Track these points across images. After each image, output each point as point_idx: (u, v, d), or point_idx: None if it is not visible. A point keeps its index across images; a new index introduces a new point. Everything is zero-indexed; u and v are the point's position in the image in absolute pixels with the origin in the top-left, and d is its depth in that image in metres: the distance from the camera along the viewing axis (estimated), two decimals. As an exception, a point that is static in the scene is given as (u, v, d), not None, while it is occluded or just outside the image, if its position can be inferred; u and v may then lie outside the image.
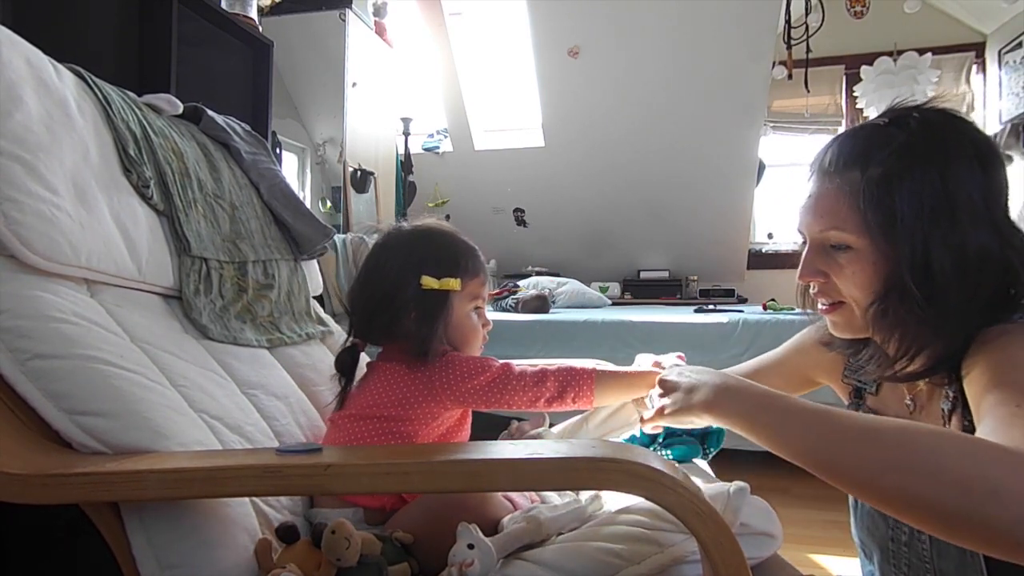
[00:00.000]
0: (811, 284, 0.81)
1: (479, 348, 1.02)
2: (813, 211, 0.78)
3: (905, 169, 0.70)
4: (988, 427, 0.59)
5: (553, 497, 0.93)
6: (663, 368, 0.93)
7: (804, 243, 0.81)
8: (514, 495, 0.86)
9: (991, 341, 0.67)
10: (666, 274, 4.86)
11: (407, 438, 0.88)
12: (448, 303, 0.94)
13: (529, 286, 3.83)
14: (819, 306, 0.82)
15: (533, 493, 0.95)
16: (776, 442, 0.64)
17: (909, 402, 0.83)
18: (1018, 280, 0.69)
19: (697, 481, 0.56)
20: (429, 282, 0.91)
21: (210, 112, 1.32)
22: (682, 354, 1.00)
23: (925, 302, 0.69)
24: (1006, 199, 0.72)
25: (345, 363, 0.98)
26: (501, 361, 0.92)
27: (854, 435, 0.58)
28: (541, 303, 3.27)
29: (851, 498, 0.88)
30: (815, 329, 0.96)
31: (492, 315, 1.02)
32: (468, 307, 0.98)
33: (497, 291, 3.63)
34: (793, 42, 3.43)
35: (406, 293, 0.91)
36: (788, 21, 3.58)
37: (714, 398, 0.73)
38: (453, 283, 0.93)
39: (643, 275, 4.91)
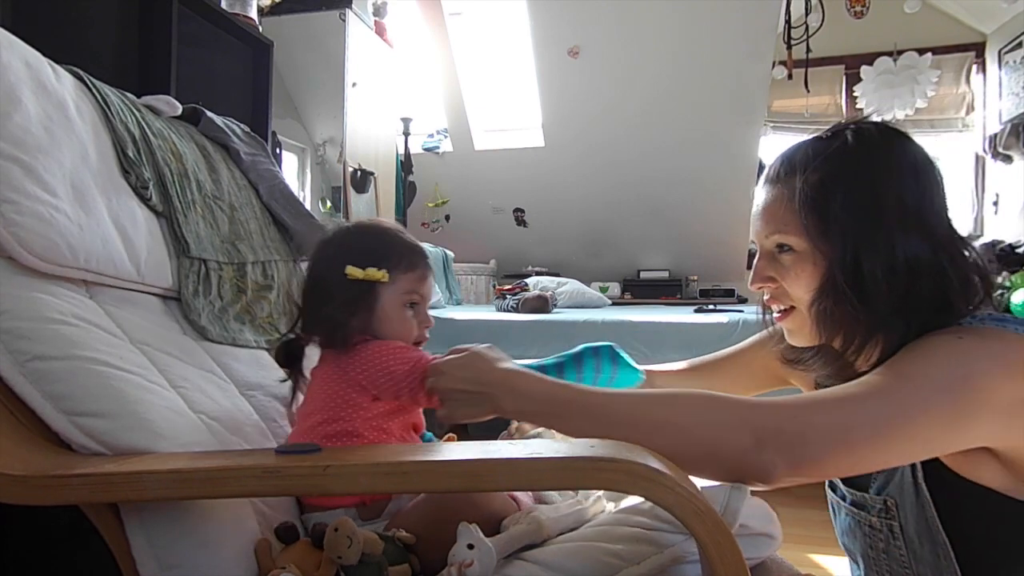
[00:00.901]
0: (764, 291, 0.85)
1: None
2: (761, 217, 0.82)
3: (839, 175, 0.75)
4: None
5: (555, 497, 0.93)
6: None
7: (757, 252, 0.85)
8: (518, 494, 0.86)
9: (919, 339, 0.70)
10: (666, 274, 4.86)
11: (349, 437, 0.88)
12: (374, 294, 0.93)
13: (530, 286, 3.83)
14: (774, 315, 0.85)
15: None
16: (568, 434, 0.71)
17: None
18: (952, 287, 0.72)
19: (697, 481, 0.56)
20: (353, 271, 0.91)
21: (209, 113, 1.32)
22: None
23: (857, 301, 0.73)
24: (943, 209, 0.75)
25: (282, 356, 0.99)
26: (432, 355, 0.90)
27: (621, 417, 0.68)
28: (542, 303, 3.27)
29: (830, 507, 0.89)
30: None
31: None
32: (401, 301, 0.95)
33: (510, 287, 3.60)
34: (793, 42, 3.43)
35: (331, 281, 0.92)
36: (788, 21, 3.58)
37: (500, 403, 0.74)
38: (378, 274, 0.92)
39: (643, 275, 4.91)
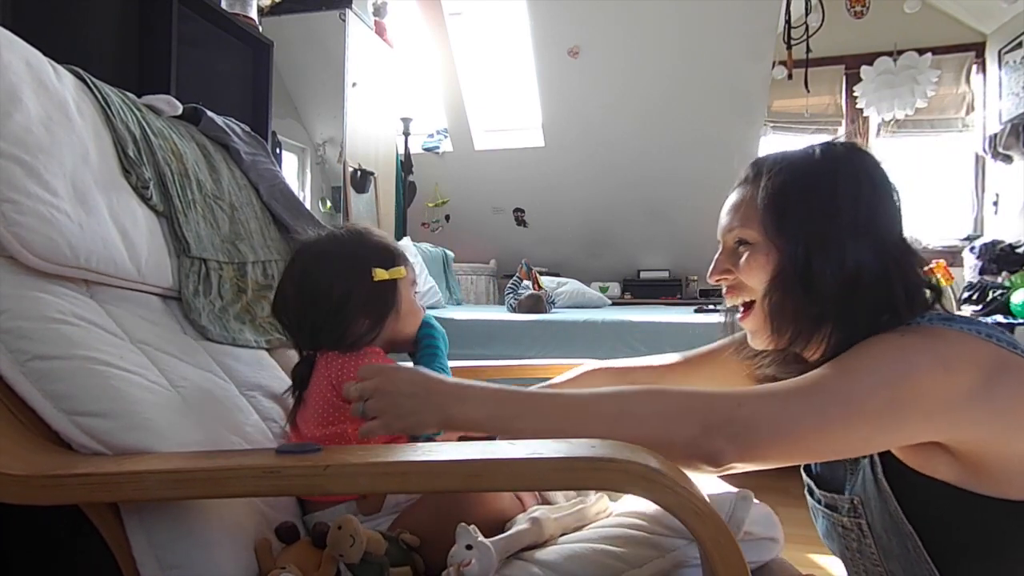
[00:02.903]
0: (722, 283, 0.88)
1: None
2: (726, 215, 0.87)
3: (801, 178, 0.80)
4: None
5: (559, 497, 0.93)
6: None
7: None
8: (523, 494, 0.86)
9: (865, 340, 0.73)
10: (666, 274, 4.86)
11: (340, 440, 0.89)
12: (398, 292, 0.96)
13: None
14: (737, 315, 0.88)
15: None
16: (523, 437, 0.69)
17: None
18: (897, 296, 0.75)
19: (702, 487, 0.56)
20: (380, 274, 0.94)
21: (209, 113, 1.32)
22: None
23: (803, 293, 0.77)
24: (897, 223, 0.79)
25: (303, 376, 0.95)
26: None
27: (575, 412, 0.70)
28: (535, 302, 3.26)
29: (811, 511, 0.91)
30: None
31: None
32: (411, 291, 1.01)
33: (530, 275, 3.55)
34: (793, 42, 3.43)
35: (361, 292, 0.92)
36: (788, 21, 3.58)
37: (450, 411, 0.72)
38: (401, 271, 0.96)
39: (643, 275, 4.91)
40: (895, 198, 0.79)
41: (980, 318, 3.18)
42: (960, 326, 0.71)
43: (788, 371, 0.86)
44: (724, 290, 0.89)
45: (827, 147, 0.82)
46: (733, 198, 0.87)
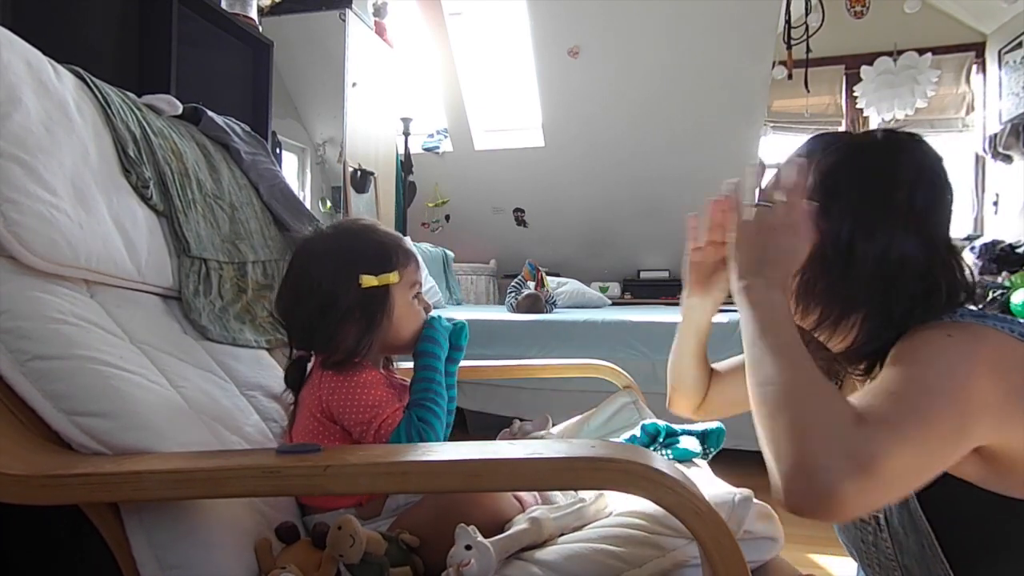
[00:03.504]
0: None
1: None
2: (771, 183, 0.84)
3: (857, 160, 0.77)
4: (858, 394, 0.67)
5: (558, 497, 0.93)
6: None
7: None
8: (523, 494, 0.86)
9: (907, 335, 0.71)
10: (666, 274, 4.85)
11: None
12: (390, 297, 0.92)
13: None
14: None
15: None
16: (749, 365, 0.70)
17: None
18: (937, 294, 0.73)
19: (702, 487, 0.56)
20: (368, 280, 0.90)
21: (210, 113, 1.32)
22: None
23: (840, 276, 0.75)
24: (947, 223, 0.77)
25: (295, 378, 0.95)
26: (395, 419, 0.87)
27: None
28: (533, 302, 3.26)
29: None
30: None
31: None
32: (409, 296, 0.96)
33: (534, 277, 3.54)
34: (793, 42, 3.43)
35: (348, 296, 0.89)
36: (788, 21, 3.58)
37: (748, 283, 0.73)
38: (392, 277, 0.92)
39: (643, 275, 4.91)
40: (950, 197, 0.77)
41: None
42: (993, 323, 0.70)
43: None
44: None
45: (889, 133, 0.80)
46: (780, 168, 0.83)
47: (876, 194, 0.75)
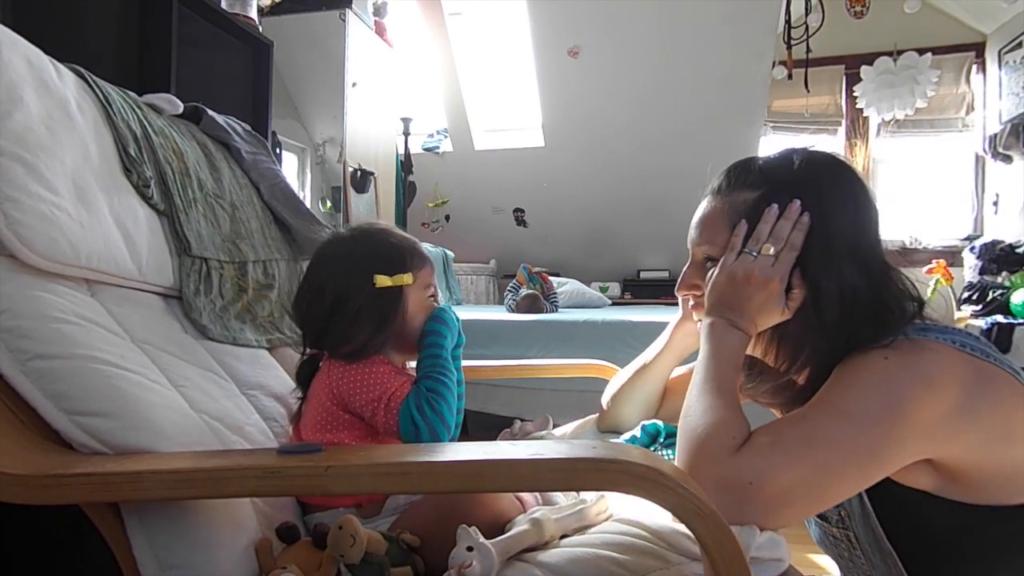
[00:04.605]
0: (689, 299, 0.86)
1: None
2: (695, 227, 0.84)
3: (779, 195, 0.75)
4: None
5: (559, 497, 0.93)
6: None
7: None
8: (524, 495, 0.86)
9: (848, 359, 0.71)
10: (666, 274, 4.85)
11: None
12: (403, 298, 0.94)
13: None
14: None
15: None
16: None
17: None
18: (889, 311, 0.73)
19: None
20: (382, 280, 0.92)
21: (210, 112, 1.31)
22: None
23: (817, 326, 0.74)
24: (877, 241, 0.76)
25: (306, 375, 0.96)
26: (403, 392, 0.88)
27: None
28: (532, 302, 3.26)
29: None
30: None
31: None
32: (423, 296, 0.97)
33: (528, 280, 3.54)
34: (793, 42, 3.43)
35: (361, 295, 0.91)
36: (788, 21, 3.58)
37: (712, 321, 0.76)
38: (406, 278, 0.93)
39: (643, 275, 4.91)
40: (875, 215, 0.76)
41: (980, 318, 3.18)
42: (936, 336, 0.70)
43: (773, 388, 0.84)
44: (690, 304, 0.86)
45: (807, 157, 0.78)
46: (702, 209, 0.84)
47: (811, 237, 0.74)
